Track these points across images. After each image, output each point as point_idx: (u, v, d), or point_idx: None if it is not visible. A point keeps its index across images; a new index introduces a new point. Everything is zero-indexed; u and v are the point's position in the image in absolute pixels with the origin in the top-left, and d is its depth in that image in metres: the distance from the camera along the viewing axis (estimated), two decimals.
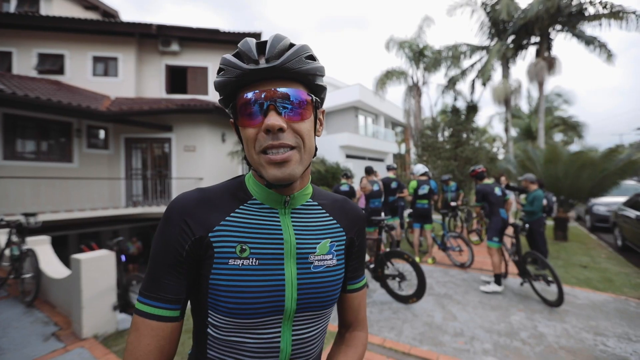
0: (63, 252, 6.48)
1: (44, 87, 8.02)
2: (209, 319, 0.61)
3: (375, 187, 5.38)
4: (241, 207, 0.64)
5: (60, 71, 9.51)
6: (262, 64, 0.56)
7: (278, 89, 0.57)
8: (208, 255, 0.59)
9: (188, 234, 0.58)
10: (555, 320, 3.31)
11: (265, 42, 0.58)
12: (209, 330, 0.61)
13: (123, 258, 3.38)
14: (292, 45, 0.59)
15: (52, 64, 9.49)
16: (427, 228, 5.60)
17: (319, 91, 0.64)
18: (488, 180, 4.54)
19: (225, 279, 0.58)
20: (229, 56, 0.58)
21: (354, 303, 0.78)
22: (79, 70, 9.60)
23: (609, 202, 8.72)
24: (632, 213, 6.15)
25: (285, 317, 0.61)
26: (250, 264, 0.59)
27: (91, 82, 9.64)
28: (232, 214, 0.62)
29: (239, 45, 0.58)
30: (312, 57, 0.60)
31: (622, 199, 7.66)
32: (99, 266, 3.09)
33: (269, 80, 0.58)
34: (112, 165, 9.29)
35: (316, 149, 0.65)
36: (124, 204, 9.11)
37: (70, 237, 9.07)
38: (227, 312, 0.57)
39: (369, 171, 5.71)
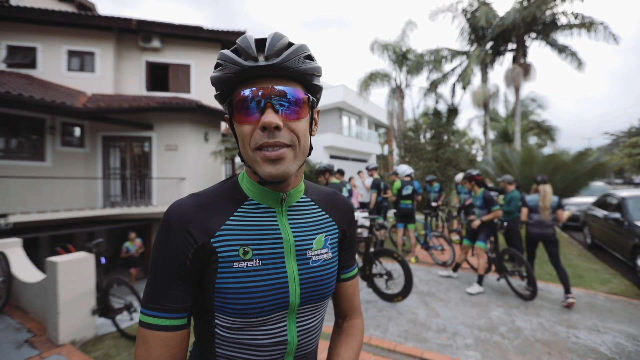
0: (34, 255, 6.17)
1: (14, 81, 7.60)
2: (216, 321, 0.61)
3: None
4: (239, 209, 0.64)
5: (32, 65, 9.02)
6: (261, 61, 0.56)
7: (276, 87, 0.57)
8: (212, 261, 0.59)
9: (190, 242, 0.58)
10: (532, 315, 3.47)
11: (264, 39, 0.58)
12: (216, 330, 0.62)
13: (103, 260, 3.25)
14: (291, 44, 0.59)
15: (23, 57, 8.99)
16: (411, 228, 5.72)
17: (316, 91, 0.65)
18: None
19: (232, 282, 0.58)
20: (227, 52, 0.57)
21: (348, 291, 0.81)
22: (52, 64, 9.14)
23: (579, 202, 9.20)
24: (600, 213, 6.52)
25: (290, 311, 0.63)
26: (254, 265, 0.60)
27: (66, 77, 9.21)
28: (231, 217, 0.62)
29: (237, 41, 0.57)
30: (310, 57, 0.60)
31: (591, 199, 8.11)
32: (77, 269, 2.97)
33: (267, 78, 0.58)
34: (89, 164, 8.90)
35: (311, 148, 0.66)
36: (101, 204, 8.76)
37: (43, 240, 8.64)
38: (236, 313, 0.58)
39: (341, 172, 6.40)
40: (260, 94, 0.56)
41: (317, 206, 0.73)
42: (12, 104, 6.68)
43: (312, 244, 0.68)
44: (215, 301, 0.59)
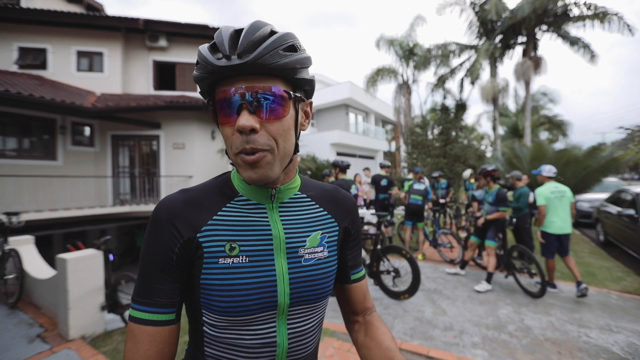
0: (47, 252, 6.32)
1: (26, 82, 7.76)
2: (204, 318, 0.60)
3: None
4: (228, 204, 0.62)
5: (43, 66, 9.19)
6: (234, 59, 0.52)
7: (252, 86, 0.53)
8: (198, 256, 0.58)
9: (177, 237, 0.57)
10: (541, 313, 3.41)
11: (242, 31, 0.54)
12: (204, 328, 0.61)
13: (111, 257, 3.30)
14: (272, 33, 0.54)
15: (34, 58, 9.17)
16: (420, 226, 5.68)
17: (301, 85, 0.60)
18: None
19: (216, 278, 0.57)
20: (203, 49, 0.54)
21: (361, 291, 0.77)
22: (62, 65, 9.30)
23: (591, 198, 8.99)
24: (613, 209, 6.36)
25: (279, 311, 0.61)
26: (240, 261, 0.58)
27: (75, 77, 9.37)
28: (219, 213, 0.61)
29: (214, 35, 0.54)
30: (292, 48, 0.55)
31: (604, 195, 7.91)
32: (86, 266, 3.03)
33: (244, 76, 0.54)
34: (99, 163, 9.06)
35: (297, 146, 0.62)
36: (111, 202, 8.91)
37: (55, 237, 8.84)
38: (221, 310, 0.57)
39: (343, 169, 6.29)
40: (235, 94, 0.53)
41: (313, 202, 0.70)
42: (24, 105, 6.83)
43: (305, 241, 0.65)
44: (201, 298, 0.58)
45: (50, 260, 4.45)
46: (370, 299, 0.80)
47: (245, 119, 0.52)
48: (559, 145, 17.97)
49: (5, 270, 3.90)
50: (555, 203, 3.97)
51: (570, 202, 4.02)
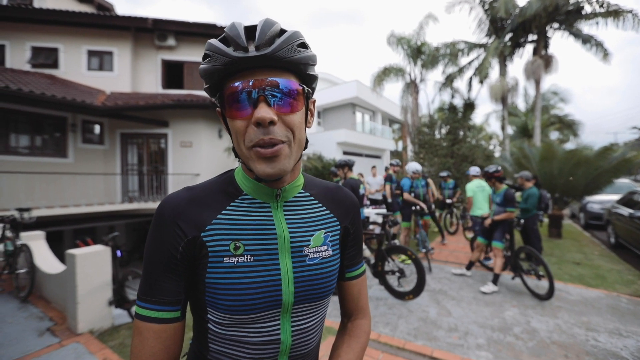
0: (58, 247, 6.44)
1: (38, 81, 7.91)
2: (209, 316, 0.60)
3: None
4: (232, 203, 0.62)
5: (55, 65, 9.36)
6: (252, 51, 0.52)
7: (268, 79, 0.54)
8: (202, 255, 0.58)
9: (180, 236, 0.57)
10: (548, 315, 3.36)
11: (255, 26, 0.54)
12: (209, 325, 0.61)
13: (119, 253, 3.36)
14: (283, 31, 0.56)
15: (46, 57, 9.34)
16: (404, 226, 5.63)
17: (311, 81, 0.62)
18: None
19: (221, 277, 0.57)
20: (215, 41, 0.54)
21: (354, 290, 0.78)
22: (73, 64, 9.46)
23: (602, 200, 8.80)
24: (625, 211, 6.22)
25: (283, 310, 0.61)
26: (245, 260, 0.59)
27: (86, 76, 9.52)
28: (223, 212, 0.61)
29: (225, 29, 0.54)
30: (304, 45, 0.57)
31: (616, 197, 7.74)
32: (94, 261, 3.08)
33: (259, 69, 0.54)
34: (108, 160, 9.21)
35: (307, 141, 0.63)
36: (120, 199, 9.05)
37: (66, 233, 9.01)
38: (226, 309, 0.57)
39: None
40: (251, 86, 0.53)
41: (316, 201, 0.70)
42: (36, 103, 6.99)
43: (309, 240, 0.65)
44: (206, 296, 0.59)
45: (61, 255, 4.55)
46: (365, 301, 0.80)
47: (265, 111, 0.53)
48: (569, 145, 17.65)
49: (17, 264, 3.99)
50: (479, 194, 5.37)
51: (488, 194, 5.30)
